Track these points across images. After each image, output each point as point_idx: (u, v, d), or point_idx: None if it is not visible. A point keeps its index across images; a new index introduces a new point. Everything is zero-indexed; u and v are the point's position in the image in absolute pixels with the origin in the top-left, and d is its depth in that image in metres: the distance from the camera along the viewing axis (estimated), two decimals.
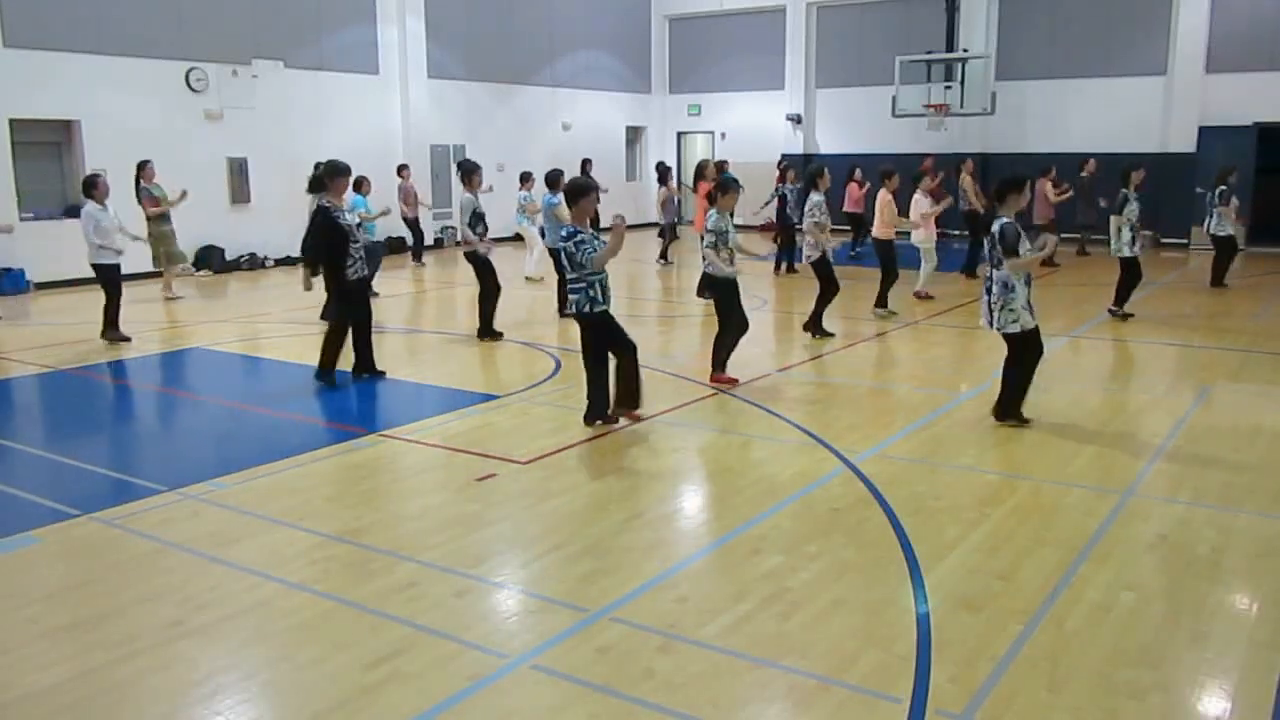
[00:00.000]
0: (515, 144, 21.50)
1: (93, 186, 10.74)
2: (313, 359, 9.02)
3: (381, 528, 5.49)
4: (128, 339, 10.79)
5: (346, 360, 8.87)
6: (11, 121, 14.39)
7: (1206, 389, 8.46)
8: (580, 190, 7.20)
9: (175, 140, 15.95)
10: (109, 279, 10.77)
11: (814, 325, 10.61)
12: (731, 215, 8.50)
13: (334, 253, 8.49)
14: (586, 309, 7.07)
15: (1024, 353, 7.13)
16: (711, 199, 8.52)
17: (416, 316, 13.16)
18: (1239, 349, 10.10)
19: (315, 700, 3.76)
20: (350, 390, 8.65)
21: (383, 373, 9.01)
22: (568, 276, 7.18)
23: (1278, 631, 4.23)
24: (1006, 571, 4.81)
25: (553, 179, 12.18)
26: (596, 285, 7.03)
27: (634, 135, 25.81)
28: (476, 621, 4.40)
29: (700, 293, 12.80)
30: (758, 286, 14.13)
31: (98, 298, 12.21)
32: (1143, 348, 10.27)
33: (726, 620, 4.33)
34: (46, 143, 15.10)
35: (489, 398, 8.31)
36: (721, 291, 8.53)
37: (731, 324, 8.54)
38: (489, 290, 10.59)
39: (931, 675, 3.85)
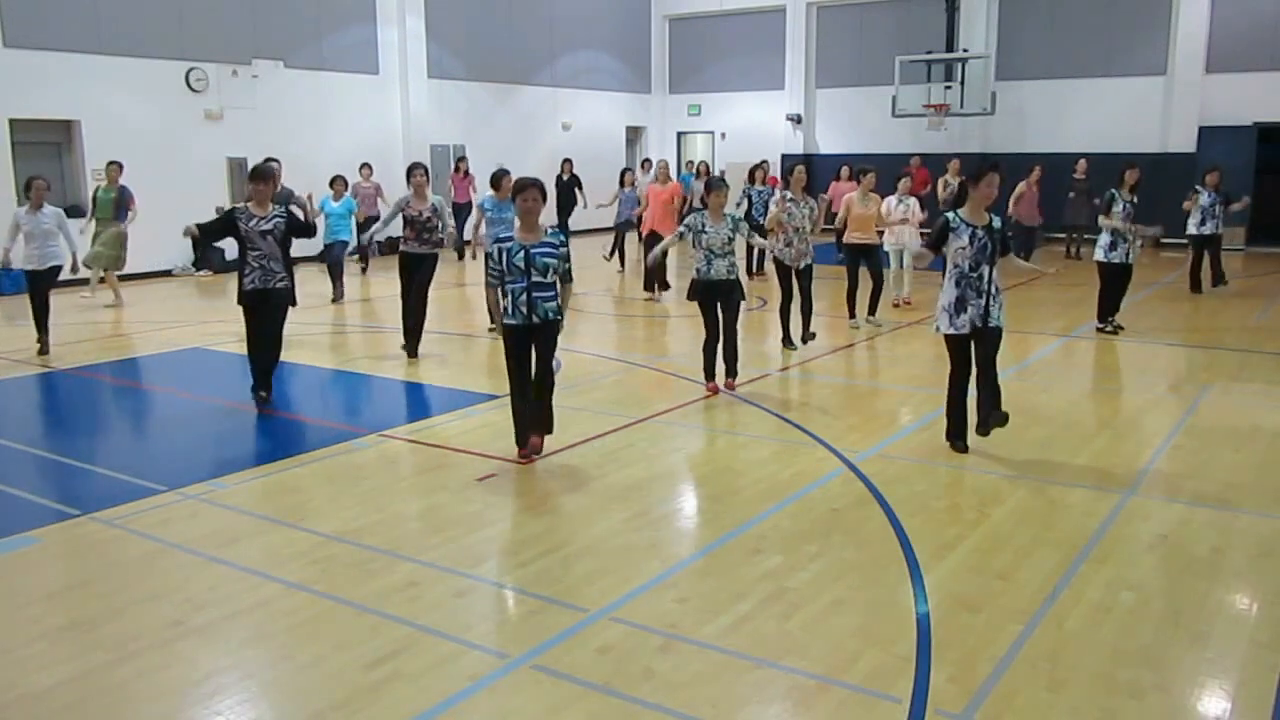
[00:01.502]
0: (515, 144, 21.49)
1: (27, 189, 10.28)
2: (312, 360, 9.03)
3: (381, 528, 5.48)
4: (46, 350, 10.23)
5: (353, 362, 8.85)
6: (11, 121, 14.39)
7: (1206, 389, 8.46)
8: (515, 189, 6.44)
9: (175, 140, 15.95)
10: (29, 283, 10.32)
11: (785, 334, 10.10)
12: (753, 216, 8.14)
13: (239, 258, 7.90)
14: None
15: (951, 360, 6.63)
16: (703, 201, 8.36)
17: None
18: (1239, 349, 10.10)
19: (315, 700, 3.76)
20: (350, 391, 8.64)
21: (264, 398, 8.12)
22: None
23: (1278, 631, 4.23)
24: (1006, 571, 4.81)
25: (493, 179, 10.69)
26: (509, 295, 6.31)
27: (634, 135, 25.81)
28: (476, 621, 4.40)
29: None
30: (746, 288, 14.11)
31: (96, 298, 12.22)
32: (1142, 348, 10.27)
33: (726, 620, 4.33)
34: (46, 143, 15.10)
35: (489, 398, 8.31)
36: (694, 296, 8.22)
37: (706, 329, 8.22)
38: (404, 301, 9.91)
39: (931, 675, 3.85)
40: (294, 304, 8.31)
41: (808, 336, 10.10)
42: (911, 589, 4.62)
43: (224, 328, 11.78)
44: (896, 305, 12.52)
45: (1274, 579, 4.75)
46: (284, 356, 10.02)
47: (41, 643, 4.24)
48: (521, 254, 6.24)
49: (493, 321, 6.72)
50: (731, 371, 8.35)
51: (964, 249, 6.34)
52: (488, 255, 6.37)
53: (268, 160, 10.26)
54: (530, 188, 6.30)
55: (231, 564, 5.00)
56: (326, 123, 18.10)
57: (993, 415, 6.49)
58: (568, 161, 19.09)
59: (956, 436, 6.73)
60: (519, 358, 6.46)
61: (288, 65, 17.69)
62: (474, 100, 21.13)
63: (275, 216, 7.90)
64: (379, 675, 3.91)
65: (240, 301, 8.01)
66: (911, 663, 3.95)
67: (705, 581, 4.81)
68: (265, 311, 8.00)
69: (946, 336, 6.54)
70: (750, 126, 24.42)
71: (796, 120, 23.74)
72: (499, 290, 6.36)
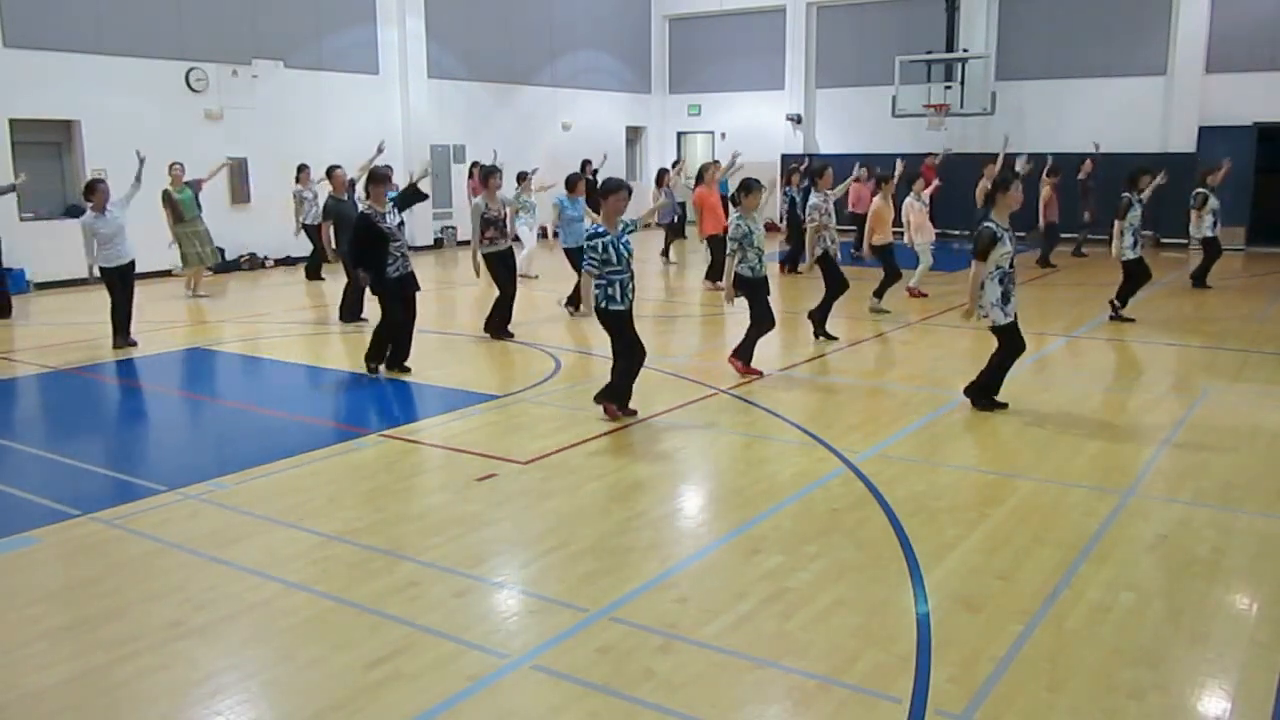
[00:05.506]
0: (515, 144, 21.45)
1: (91, 192, 10.40)
2: (312, 359, 9.04)
3: (381, 528, 5.48)
4: (133, 343, 10.59)
5: (357, 362, 8.86)
6: (11, 121, 14.38)
7: (1206, 389, 8.46)
8: (608, 189, 7.29)
9: (175, 140, 15.90)
10: (112, 283, 10.54)
11: (818, 324, 10.49)
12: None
13: (377, 256, 8.69)
14: (602, 305, 7.24)
15: (1003, 346, 7.52)
16: (735, 201, 8.64)
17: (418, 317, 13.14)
18: (1239, 349, 10.10)
19: (315, 700, 3.76)
20: (351, 390, 8.65)
21: (408, 369, 9.12)
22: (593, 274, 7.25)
23: (1278, 631, 4.23)
24: (1006, 571, 4.81)
25: (570, 182, 12.53)
26: (616, 284, 7.17)
27: (634, 135, 25.79)
28: (476, 621, 4.40)
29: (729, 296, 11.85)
30: None
31: (97, 297, 12.12)
32: (1143, 348, 10.27)
33: (726, 620, 4.33)
34: (46, 143, 15.10)
35: (490, 398, 8.31)
36: (749, 291, 8.70)
37: (758, 320, 8.78)
38: (505, 293, 10.75)
39: (931, 675, 3.85)
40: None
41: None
42: (911, 589, 4.62)
43: (224, 328, 11.78)
44: (913, 294, 12.97)
45: (1274, 579, 4.75)
46: (286, 357, 10.10)
47: (41, 643, 4.24)
48: (622, 245, 7.16)
49: (580, 304, 7.67)
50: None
51: (1008, 253, 7.21)
52: (589, 246, 7.12)
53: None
54: (623, 189, 7.28)
55: (231, 564, 5.00)
56: (326, 123, 18.09)
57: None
58: (587, 162, 19.28)
59: (982, 396, 7.60)
60: (630, 337, 7.36)
61: (288, 65, 17.68)
62: (474, 100, 21.12)
63: (392, 208, 8.90)
64: (379, 675, 3.91)
65: (386, 290, 8.78)
66: (911, 663, 3.95)
67: (705, 581, 4.81)
68: (409, 293, 9.02)
69: (1005, 326, 7.35)
70: (750, 126, 24.38)
71: (796, 120, 23.73)
72: (595, 279, 7.21)
